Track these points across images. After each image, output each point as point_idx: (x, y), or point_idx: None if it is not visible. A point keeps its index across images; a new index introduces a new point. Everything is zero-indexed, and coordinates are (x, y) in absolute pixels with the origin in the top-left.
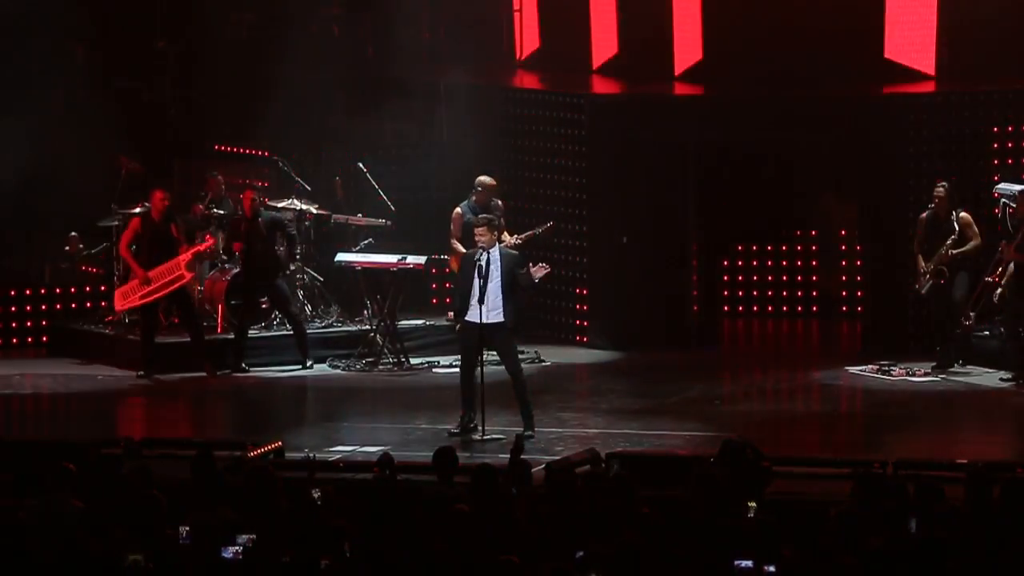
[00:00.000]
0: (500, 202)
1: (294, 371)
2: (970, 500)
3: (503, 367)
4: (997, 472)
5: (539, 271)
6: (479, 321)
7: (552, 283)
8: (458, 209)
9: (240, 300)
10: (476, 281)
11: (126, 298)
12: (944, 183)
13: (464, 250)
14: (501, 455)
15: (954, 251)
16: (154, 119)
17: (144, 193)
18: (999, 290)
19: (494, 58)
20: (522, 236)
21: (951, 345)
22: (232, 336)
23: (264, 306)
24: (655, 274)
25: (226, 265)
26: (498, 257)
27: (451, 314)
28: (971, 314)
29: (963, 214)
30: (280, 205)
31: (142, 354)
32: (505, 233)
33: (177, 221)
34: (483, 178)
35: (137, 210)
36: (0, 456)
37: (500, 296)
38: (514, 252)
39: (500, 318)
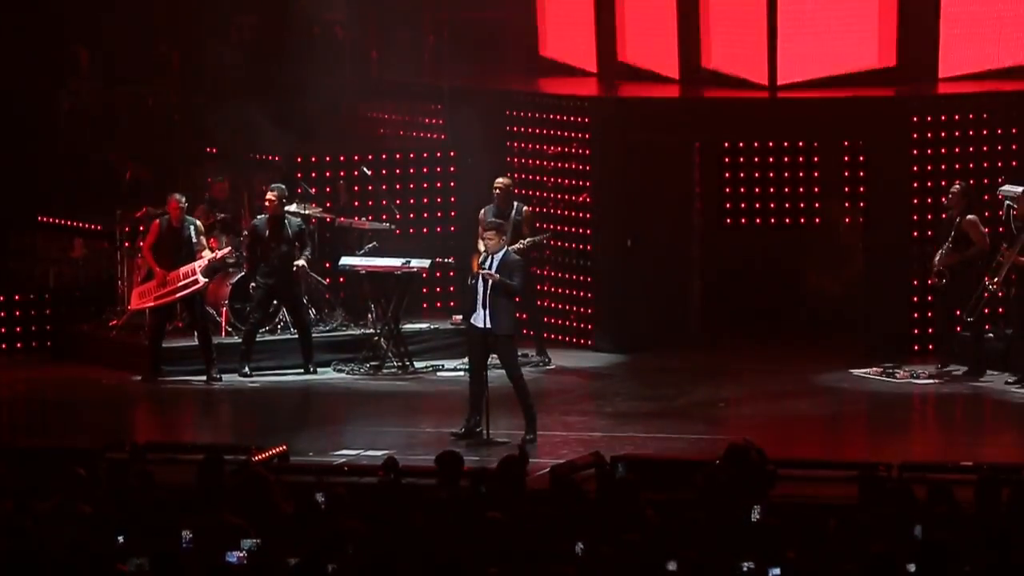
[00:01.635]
0: (526, 207)
1: (298, 375)
2: (978, 503)
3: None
4: (1004, 474)
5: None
6: (481, 325)
7: (557, 286)
8: (483, 211)
9: (258, 304)
10: (480, 286)
11: (142, 298)
12: (960, 183)
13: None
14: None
15: (950, 255)
16: (158, 123)
17: (148, 197)
18: (995, 282)
19: (499, 60)
20: (521, 244)
21: (956, 348)
22: (241, 339)
23: (270, 310)
24: (660, 276)
25: (230, 268)
26: (498, 262)
27: (456, 316)
28: (969, 318)
29: (969, 217)
30: (284, 209)
31: (148, 357)
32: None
33: (197, 225)
34: (500, 179)
35: (157, 212)
36: (5, 461)
37: (492, 302)
38: (516, 258)
39: (492, 323)
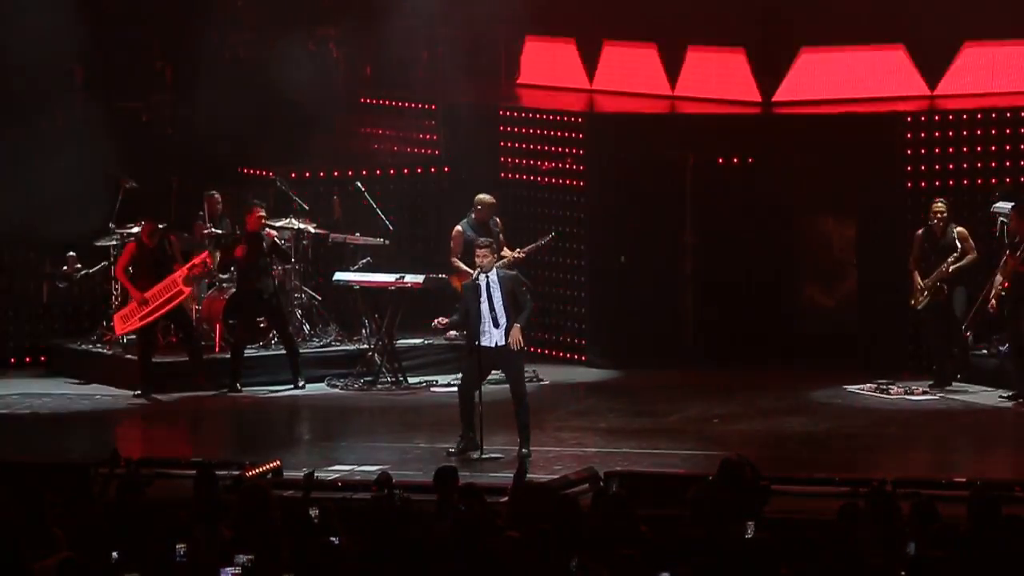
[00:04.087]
0: (499, 219)
1: (290, 390)
2: (972, 520)
3: (504, 387)
4: (998, 491)
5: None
6: (494, 345)
7: (551, 302)
8: (458, 227)
9: (236, 319)
10: (484, 305)
11: (126, 321)
12: (942, 199)
13: (464, 267)
14: (499, 474)
15: (954, 266)
16: (153, 139)
17: (142, 213)
18: (992, 299)
19: (492, 77)
20: (524, 250)
21: (950, 363)
22: (229, 355)
23: (262, 325)
24: (653, 292)
25: (223, 284)
26: (497, 279)
27: (451, 332)
28: (968, 333)
29: (960, 228)
30: (278, 224)
31: (140, 373)
32: (506, 249)
33: (171, 240)
34: (482, 196)
35: (134, 229)
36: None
37: (506, 318)
38: (512, 272)
39: (508, 338)
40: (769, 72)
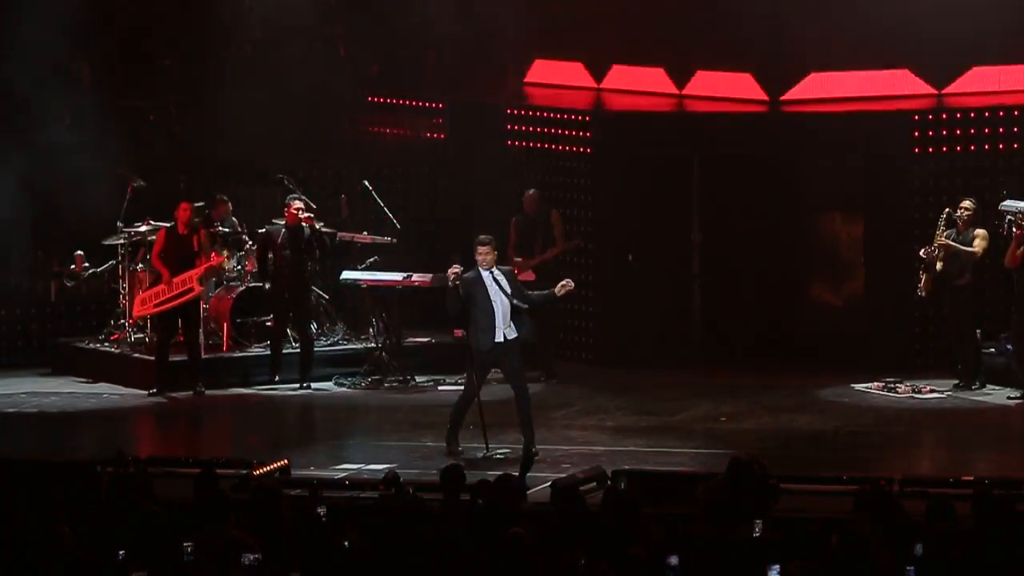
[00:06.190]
0: (555, 211)
1: (297, 389)
2: (977, 519)
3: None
4: (1004, 490)
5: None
6: (499, 341)
7: (557, 300)
8: (512, 221)
9: (272, 314)
10: (497, 301)
11: (143, 305)
12: (970, 199)
13: (519, 259)
14: (506, 471)
15: (946, 240)
16: (160, 137)
17: (150, 212)
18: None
19: (500, 75)
20: (532, 261)
21: (970, 363)
22: (268, 351)
23: (268, 324)
24: (660, 291)
25: (231, 283)
26: (502, 275)
27: (458, 331)
28: (978, 331)
29: (979, 229)
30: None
31: (156, 370)
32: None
33: (202, 234)
34: (529, 190)
35: (141, 228)
36: (5, 475)
37: (510, 314)
38: (507, 268)
39: (514, 334)
40: (776, 91)
